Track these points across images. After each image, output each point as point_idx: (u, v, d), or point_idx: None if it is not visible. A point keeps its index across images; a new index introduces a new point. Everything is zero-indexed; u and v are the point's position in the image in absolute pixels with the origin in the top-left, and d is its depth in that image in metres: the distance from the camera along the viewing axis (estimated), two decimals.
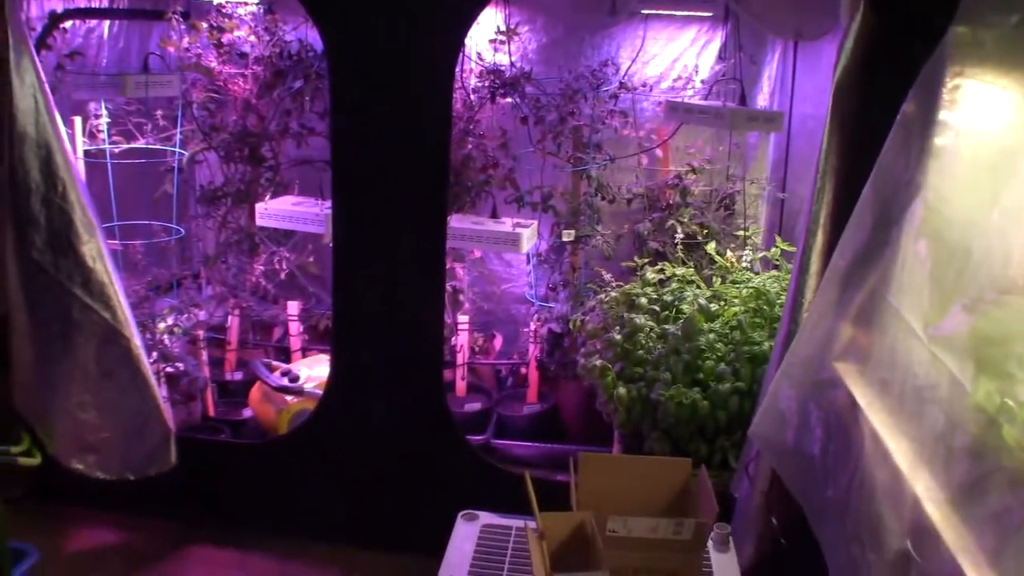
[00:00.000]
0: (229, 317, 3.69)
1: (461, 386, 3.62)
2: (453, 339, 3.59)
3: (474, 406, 3.53)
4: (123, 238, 3.19)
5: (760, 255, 3.14)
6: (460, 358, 3.59)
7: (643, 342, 2.87)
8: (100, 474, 2.97)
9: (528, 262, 3.63)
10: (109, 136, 3.17)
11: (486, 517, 2.29)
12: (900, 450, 1.52)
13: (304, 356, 3.73)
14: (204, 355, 3.42)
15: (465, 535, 2.23)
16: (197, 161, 3.47)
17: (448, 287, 3.60)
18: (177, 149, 3.31)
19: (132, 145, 3.22)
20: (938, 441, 1.43)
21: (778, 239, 3.03)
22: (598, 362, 2.87)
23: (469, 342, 3.65)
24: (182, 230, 3.30)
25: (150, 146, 3.28)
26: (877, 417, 1.65)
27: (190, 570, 2.97)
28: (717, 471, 2.76)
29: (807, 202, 2.32)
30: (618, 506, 2.07)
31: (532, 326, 3.52)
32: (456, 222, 3.23)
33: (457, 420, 3.40)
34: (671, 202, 3.38)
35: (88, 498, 3.14)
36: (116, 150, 3.17)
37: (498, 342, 3.84)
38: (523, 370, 3.68)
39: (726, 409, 2.69)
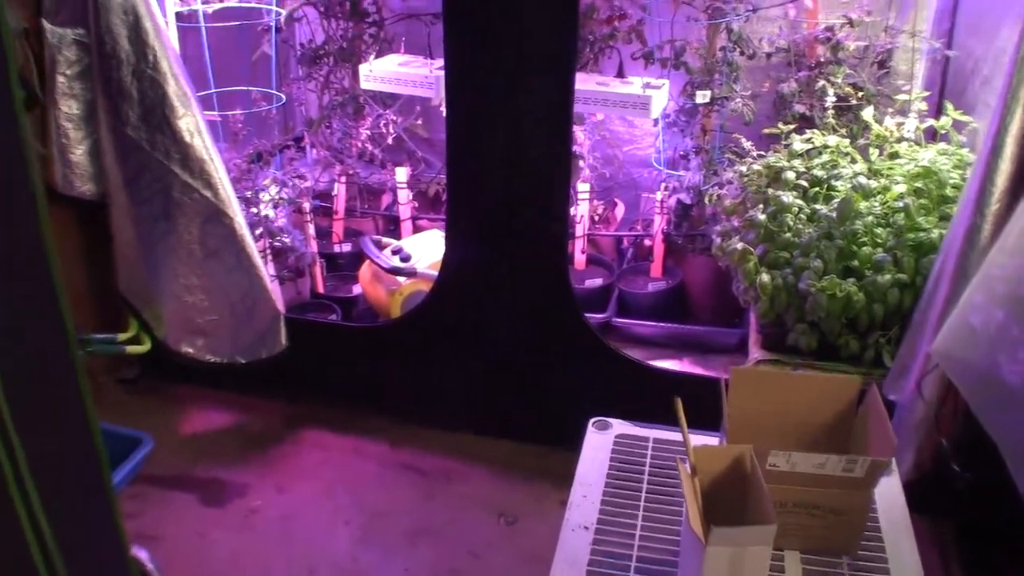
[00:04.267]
0: (335, 185, 3.50)
1: (580, 260, 3.39)
2: (572, 208, 3.34)
3: (595, 282, 3.31)
4: (221, 107, 2.97)
5: (926, 124, 2.75)
6: (580, 229, 3.35)
7: (790, 223, 2.57)
8: (210, 357, 2.90)
9: (655, 124, 3.30)
10: None
11: (619, 426, 2.09)
12: None
13: (414, 224, 3.53)
14: (311, 228, 3.25)
15: (597, 445, 2.04)
16: (296, 19, 3.19)
17: None
18: (274, 7, 3.04)
19: (226, 4, 2.96)
20: None
21: (949, 106, 2.64)
22: (739, 245, 2.59)
23: (589, 211, 3.40)
24: (283, 96, 3.07)
25: (245, 4, 3.01)
26: None
27: (305, 453, 2.89)
28: (869, 368, 2.50)
29: (1006, 74, 1.95)
30: (773, 427, 1.85)
31: (659, 196, 3.23)
32: (579, 83, 2.92)
33: (578, 298, 3.21)
34: (820, 59, 2.98)
35: (202, 378, 3.07)
36: (209, 11, 2.92)
37: (620, 211, 3.57)
38: (647, 242, 3.42)
39: (884, 302, 2.40)
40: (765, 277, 2.53)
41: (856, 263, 2.47)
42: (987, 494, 2.02)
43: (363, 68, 3.12)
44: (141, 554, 2.24)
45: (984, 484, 1.97)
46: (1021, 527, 1.63)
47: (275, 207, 3.05)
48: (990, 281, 1.71)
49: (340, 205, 3.54)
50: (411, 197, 3.49)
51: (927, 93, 2.85)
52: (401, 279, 2.95)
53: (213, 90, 2.90)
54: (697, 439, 2.04)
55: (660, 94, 2.88)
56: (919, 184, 2.52)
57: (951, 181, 2.49)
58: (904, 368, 2.37)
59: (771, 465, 1.64)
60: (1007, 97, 1.96)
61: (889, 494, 1.87)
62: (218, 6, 2.95)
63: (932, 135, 2.81)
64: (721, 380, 1.85)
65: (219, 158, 2.68)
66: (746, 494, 1.63)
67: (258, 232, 3.00)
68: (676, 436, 2.03)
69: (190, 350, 2.89)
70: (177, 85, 2.58)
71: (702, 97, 2.98)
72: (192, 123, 2.62)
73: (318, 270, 3.29)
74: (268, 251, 3.02)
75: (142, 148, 2.62)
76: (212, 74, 2.90)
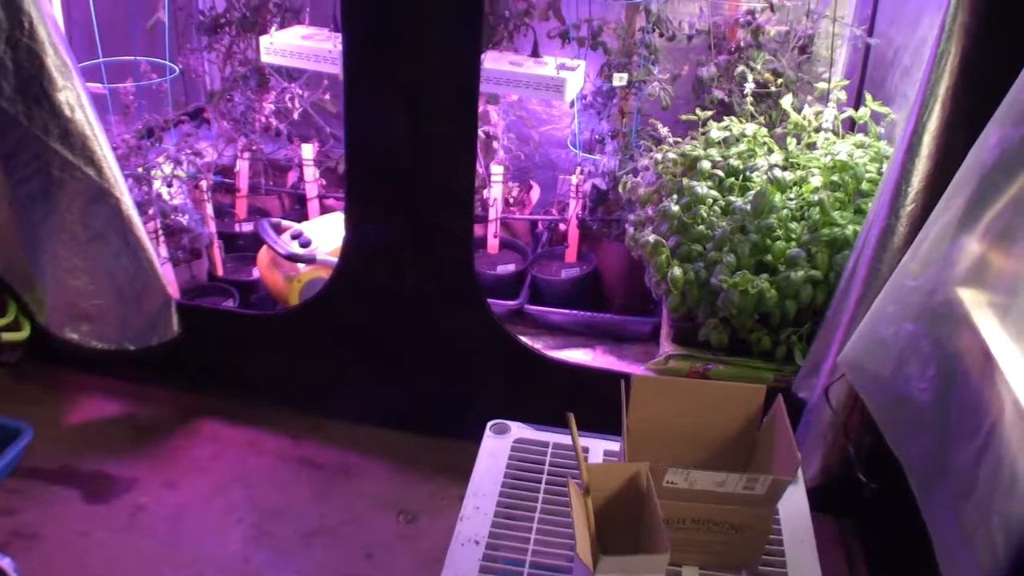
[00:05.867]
0: (238, 161, 3.32)
1: (493, 244, 3.28)
2: (485, 191, 3.22)
3: (507, 268, 3.19)
4: (112, 78, 2.77)
5: (845, 114, 2.69)
6: (493, 212, 3.23)
7: (704, 215, 2.49)
8: (97, 344, 2.74)
9: (572, 106, 3.19)
10: None
11: (519, 430, 1.99)
12: None
13: (322, 203, 3.38)
14: (209, 208, 3.07)
15: (494, 451, 1.94)
16: None
17: (480, 133, 3.20)
18: None
19: None
20: None
21: (868, 98, 2.57)
22: (651, 237, 2.50)
23: (503, 193, 3.28)
24: (176, 68, 2.88)
25: None
26: None
27: (199, 446, 2.74)
28: (780, 365, 2.45)
29: (925, 69, 1.88)
30: (677, 437, 1.77)
31: (574, 180, 3.12)
32: (491, 62, 2.80)
33: (488, 284, 3.10)
34: (740, 43, 2.89)
35: (90, 364, 2.90)
36: None
37: (535, 193, 3.46)
38: (562, 227, 3.31)
39: (797, 299, 2.34)
40: (677, 271, 2.45)
41: (770, 258, 2.41)
42: (893, 501, 1.98)
43: (264, 40, 2.94)
44: (3, 562, 2.08)
45: (890, 492, 1.92)
46: (924, 539, 1.57)
47: (168, 184, 2.87)
48: (902, 291, 1.64)
49: (243, 182, 3.37)
50: (318, 175, 3.34)
51: (847, 82, 2.78)
52: (300, 265, 2.81)
53: (100, 60, 2.71)
54: (601, 444, 1.96)
55: (575, 76, 2.77)
56: (835, 177, 2.46)
57: (867, 175, 2.43)
58: (816, 366, 2.31)
59: (669, 482, 1.56)
60: (925, 93, 1.89)
61: (793, 504, 1.81)
62: None
63: (852, 125, 2.75)
64: (622, 380, 1.75)
65: (103, 134, 2.50)
66: (642, 513, 1.54)
67: (151, 211, 2.83)
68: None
69: (75, 336, 2.72)
70: (56, 55, 2.39)
71: (619, 80, 2.87)
72: (73, 96, 2.43)
73: (216, 251, 3.12)
74: (159, 231, 2.84)
75: (19, 123, 2.43)
76: (103, 43, 2.70)
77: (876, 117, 2.60)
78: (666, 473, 1.55)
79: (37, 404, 2.85)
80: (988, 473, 1.31)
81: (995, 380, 1.34)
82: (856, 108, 2.69)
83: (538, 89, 2.76)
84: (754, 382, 1.75)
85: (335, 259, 2.65)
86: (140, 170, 2.81)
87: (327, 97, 3.33)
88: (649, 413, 1.75)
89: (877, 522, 2.31)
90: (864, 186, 2.42)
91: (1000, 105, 1.51)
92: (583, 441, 1.96)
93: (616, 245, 3.12)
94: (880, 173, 2.45)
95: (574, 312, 3.11)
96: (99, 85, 2.72)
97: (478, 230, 3.26)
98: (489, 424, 1.99)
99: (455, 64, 2.27)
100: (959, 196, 1.60)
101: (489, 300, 2.63)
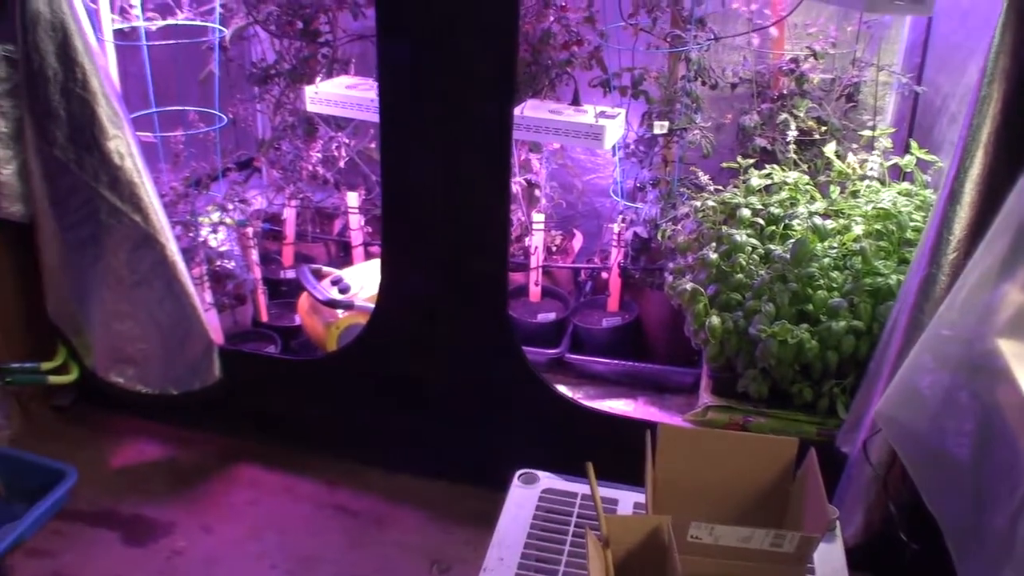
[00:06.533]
0: (285, 209, 3.37)
1: (535, 292, 3.27)
2: (527, 239, 3.22)
3: (548, 316, 3.18)
4: (163, 127, 2.84)
5: (890, 162, 2.64)
6: (534, 260, 3.22)
7: (743, 263, 2.45)
8: (141, 388, 2.78)
9: (613, 154, 3.19)
10: (143, 12, 2.78)
11: (547, 480, 1.97)
12: None
13: (366, 250, 3.41)
14: (254, 254, 3.11)
15: (521, 501, 1.91)
16: (243, 38, 3.07)
17: (523, 181, 3.21)
18: (217, 26, 2.90)
19: (169, 22, 2.84)
20: None
21: (914, 145, 2.53)
22: (688, 286, 2.47)
23: (546, 241, 3.27)
24: (224, 117, 2.94)
25: (190, 22, 2.88)
26: None
27: (236, 491, 2.75)
28: (823, 417, 2.39)
29: (967, 115, 1.84)
30: (705, 491, 1.73)
31: (616, 229, 3.11)
32: (531, 110, 2.81)
33: (529, 332, 3.09)
34: (784, 91, 2.87)
35: (136, 408, 2.93)
36: (153, 28, 2.79)
37: (577, 241, 3.45)
38: (604, 275, 3.29)
39: (838, 350, 2.29)
40: (715, 320, 2.41)
41: (811, 307, 2.36)
42: (937, 563, 1.90)
43: (309, 90, 3.00)
44: None
45: (934, 553, 1.84)
46: None
47: (214, 231, 2.92)
48: (939, 341, 1.59)
49: (290, 230, 3.42)
50: (364, 222, 3.37)
51: (893, 130, 2.74)
52: (339, 311, 2.83)
53: (153, 110, 2.77)
54: (632, 496, 1.92)
55: (614, 124, 2.77)
56: (879, 226, 2.41)
57: (912, 224, 2.38)
58: (859, 420, 2.25)
59: (693, 537, 1.52)
60: (967, 139, 1.85)
61: (830, 563, 1.74)
62: (161, 23, 2.82)
63: (900, 174, 2.70)
64: (647, 430, 1.71)
65: (151, 182, 2.56)
66: (664, 568, 1.50)
67: (198, 258, 2.88)
68: (607, 492, 1.92)
69: (120, 379, 2.76)
70: (108, 105, 2.46)
71: (659, 128, 2.86)
72: (123, 145, 2.50)
73: (261, 297, 3.16)
74: (205, 277, 2.89)
75: (70, 170, 2.51)
76: (155, 93, 2.77)
77: (923, 165, 2.55)
78: (689, 527, 1.50)
79: (82, 446, 2.89)
80: None
81: None
82: (903, 156, 2.65)
83: (577, 137, 2.76)
84: (795, 435, 1.70)
85: (372, 305, 2.66)
86: (188, 217, 2.86)
87: (373, 146, 3.37)
88: (676, 464, 1.71)
89: None
90: (909, 235, 2.37)
91: None
92: (615, 492, 1.93)
93: (658, 294, 3.09)
94: (926, 222, 2.39)
95: (615, 362, 3.08)
96: (150, 134, 2.78)
97: (520, 278, 3.26)
98: (517, 474, 1.97)
99: (488, 116, 2.28)
100: (998, 243, 1.55)
101: (529, 349, 2.62)
